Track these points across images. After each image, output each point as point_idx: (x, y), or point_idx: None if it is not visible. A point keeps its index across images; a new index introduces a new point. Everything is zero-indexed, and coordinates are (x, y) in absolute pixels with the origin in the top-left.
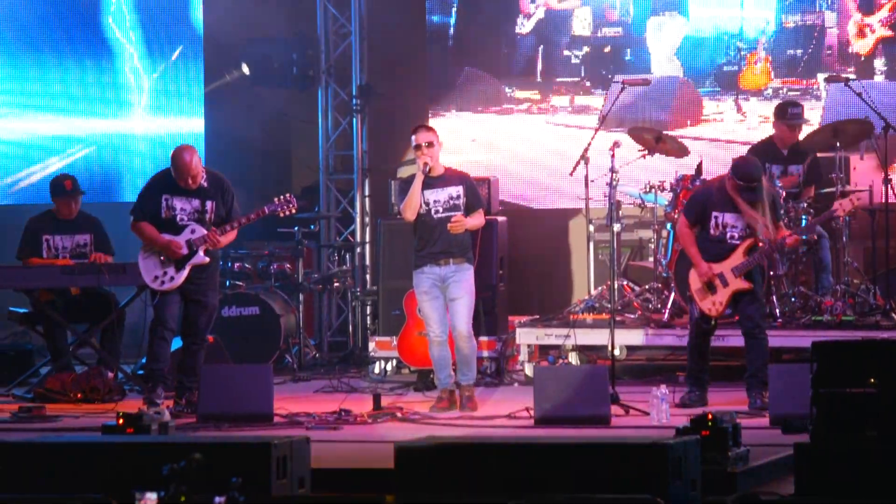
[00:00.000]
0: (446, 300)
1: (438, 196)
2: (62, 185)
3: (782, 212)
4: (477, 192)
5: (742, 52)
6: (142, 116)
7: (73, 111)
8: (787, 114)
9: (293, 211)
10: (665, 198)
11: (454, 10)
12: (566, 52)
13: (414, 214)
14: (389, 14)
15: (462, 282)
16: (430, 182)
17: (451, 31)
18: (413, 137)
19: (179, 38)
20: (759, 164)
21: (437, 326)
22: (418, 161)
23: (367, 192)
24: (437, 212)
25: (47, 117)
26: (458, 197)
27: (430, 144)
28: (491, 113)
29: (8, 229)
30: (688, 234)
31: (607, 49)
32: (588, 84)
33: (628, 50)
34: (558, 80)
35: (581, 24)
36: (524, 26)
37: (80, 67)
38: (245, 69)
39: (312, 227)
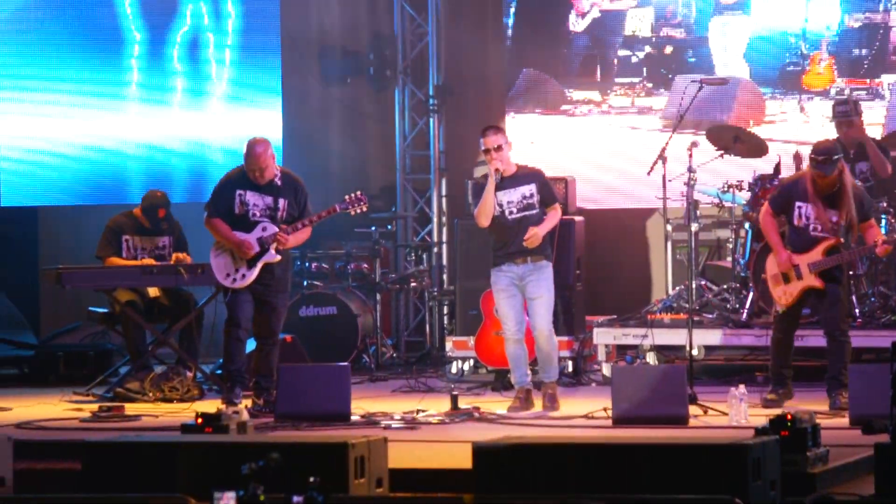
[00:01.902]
0: (525, 299)
1: (511, 197)
2: (155, 212)
3: (872, 209)
4: (551, 187)
5: (805, 52)
6: (220, 117)
7: (152, 113)
8: (835, 112)
9: (364, 209)
10: (743, 197)
11: (512, 10)
12: (625, 53)
13: (488, 221)
14: (466, 14)
15: (541, 280)
16: (503, 183)
17: (510, 31)
18: (481, 141)
19: (258, 39)
20: (837, 144)
21: (514, 324)
22: (489, 166)
23: (443, 192)
24: (511, 213)
25: (126, 117)
26: (532, 195)
27: (499, 148)
28: (550, 114)
29: (88, 229)
30: (770, 221)
31: (669, 49)
32: (650, 85)
33: (690, 50)
34: (618, 80)
35: (639, 24)
36: (578, 25)
37: (158, 70)
38: None
39: (389, 226)
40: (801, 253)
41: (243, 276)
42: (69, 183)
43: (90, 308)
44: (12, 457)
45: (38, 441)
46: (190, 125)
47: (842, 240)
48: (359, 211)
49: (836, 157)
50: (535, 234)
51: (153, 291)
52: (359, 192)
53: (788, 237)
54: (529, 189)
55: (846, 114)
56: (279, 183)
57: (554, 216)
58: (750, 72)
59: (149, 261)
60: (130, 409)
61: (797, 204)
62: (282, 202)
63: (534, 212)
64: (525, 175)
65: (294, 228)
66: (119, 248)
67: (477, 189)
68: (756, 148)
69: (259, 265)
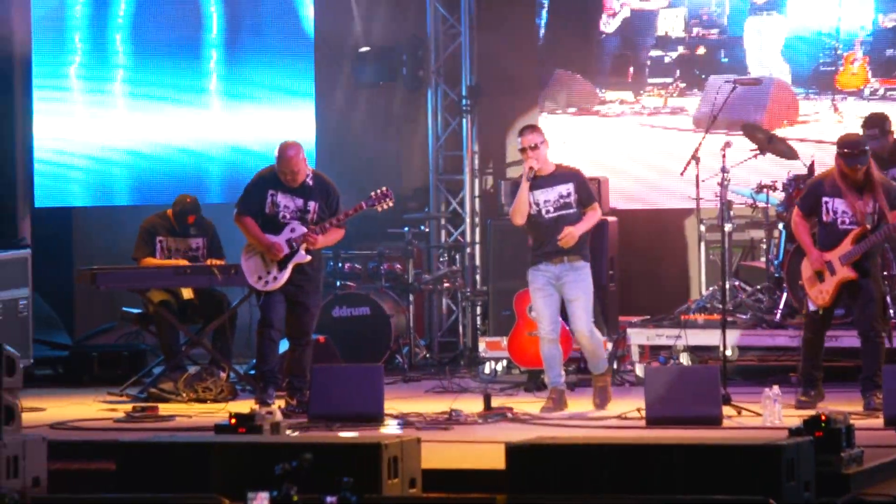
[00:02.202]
0: (562, 299)
1: (548, 196)
2: (185, 218)
3: None
4: (588, 187)
5: (839, 53)
6: (254, 118)
7: (186, 114)
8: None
9: (390, 204)
10: (777, 198)
11: (544, 10)
12: (657, 53)
13: (523, 219)
14: (498, 15)
15: (578, 281)
16: (539, 182)
17: (542, 32)
18: (519, 140)
19: (291, 41)
20: (862, 138)
21: (549, 324)
22: (524, 164)
23: (476, 193)
24: (547, 212)
25: (160, 118)
26: (569, 195)
27: (535, 147)
28: (582, 115)
29: (122, 230)
30: (800, 223)
31: (701, 50)
32: (683, 85)
33: (723, 51)
34: (650, 81)
35: (670, 25)
36: (609, 25)
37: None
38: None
39: (422, 227)
40: (831, 249)
41: (274, 278)
42: (103, 184)
43: (124, 308)
44: (47, 457)
45: (72, 441)
46: (224, 127)
47: (868, 226)
48: (385, 207)
49: (865, 147)
50: (570, 234)
51: (187, 292)
52: (385, 188)
53: (818, 236)
54: (567, 188)
55: (875, 137)
56: (311, 185)
57: (592, 216)
58: (790, 72)
59: (182, 262)
60: (164, 409)
61: (824, 200)
62: (312, 204)
63: (571, 211)
64: (562, 174)
65: (322, 229)
66: (154, 248)
67: (513, 188)
68: (787, 154)
69: (290, 267)
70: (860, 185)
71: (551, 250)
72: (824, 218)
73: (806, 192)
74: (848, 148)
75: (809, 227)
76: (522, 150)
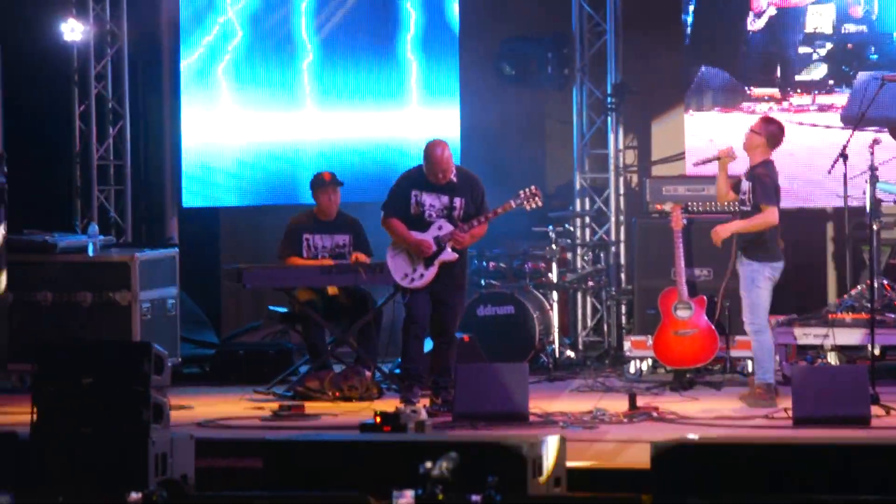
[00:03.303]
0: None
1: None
2: (321, 178)
3: None
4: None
5: None
6: (398, 116)
7: (331, 113)
8: None
9: (539, 203)
10: None
11: (691, 8)
12: (805, 50)
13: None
14: (644, 12)
15: (741, 279)
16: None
17: (689, 30)
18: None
19: (437, 39)
20: None
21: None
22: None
23: (621, 191)
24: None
25: (305, 117)
26: (745, 193)
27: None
28: (729, 112)
29: (267, 229)
30: None
31: (850, 46)
32: (831, 82)
33: (872, 47)
34: (798, 78)
35: (818, 21)
36: (756, 22)
37: (335, 71)
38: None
39: (567, 225)
40: None
41: (421, 275)
42: (249, 183)
43: (270, 307)
44: (194, 454)
45: (219, 439)
46: (369, 125)
47: None
48: (534, 205)
49: None
50: (715, 232)
51: (332, 289)
52: (533, 187)
53: None
54: (746, 185)
55: None
56: (455, 181)
57: (755, 218)
58: None
59: (327, 261)
60: (310, 407)
61: None
62: (458, 201)
63: (745, 208)
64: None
65: (470, 226)
66: (300, 247)
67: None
68: None
69: (436, 264)
70: None
71: None
72: None
73: None
74: None
75: None
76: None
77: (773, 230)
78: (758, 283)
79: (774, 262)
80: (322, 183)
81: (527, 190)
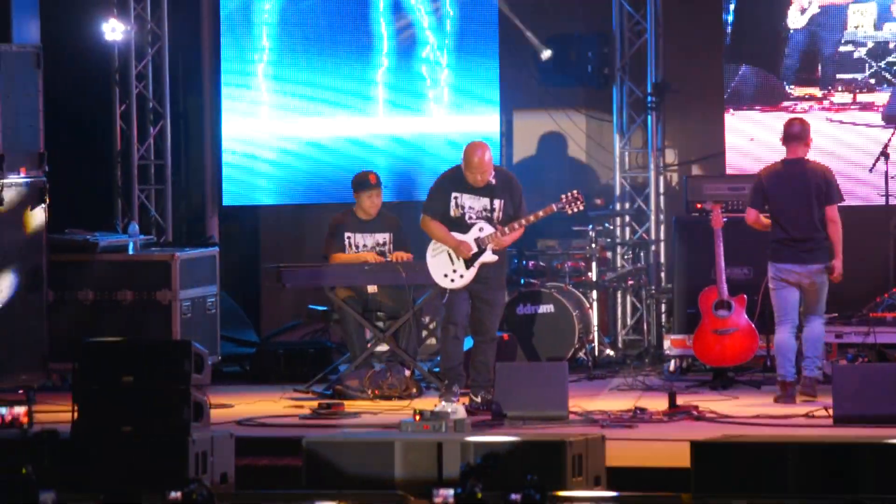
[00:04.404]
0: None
1: None
2: (367, 179)
3: None
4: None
5: None
6: (437, 116)
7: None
8: None
9: (581, 207)
10: None
11: (732, 7)
12: (846, 49)
13: None
14: (685, 11)
15: None
16: None
17: (729, 29)
18: None
19: (475, 39)
20: None
21: None
22: None
23: (661, 190)
24: None
25: (341, 116)
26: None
27: None
28: (769, 111)
29: (307, 228)
30: None
31: (892, 45)
32: (872, 81)
33: None
34: (839, 76)
35: (860, 20)
36: (796, 21)
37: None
38: (545, 54)
39: (607, 224)
40: None
41: (461, 276)
42: (288, 182)
43: (310, 306)
44: (234, 453)
45: (259, 437)
46: (407, 124)
47: None
48: (576, 210)
49: None
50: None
51: (372, 289)
52: (576, 191)
53: None
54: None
55: None
56: (494, 182)
57: (837, 227)
58: None
59: (370, 255)
60: (349, 406)
61: None
62: (497, 202)
63: None
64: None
65: (511, 228)
66: (343, 245)
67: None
68: None
69: (476, 265)
70: None
71: None
72: None
73: None
74: None
75: None
76: None
77: (775, 230)
78: (769, 284)
79: (778, 262)
80: (366, 185)
81: (569, 194)
